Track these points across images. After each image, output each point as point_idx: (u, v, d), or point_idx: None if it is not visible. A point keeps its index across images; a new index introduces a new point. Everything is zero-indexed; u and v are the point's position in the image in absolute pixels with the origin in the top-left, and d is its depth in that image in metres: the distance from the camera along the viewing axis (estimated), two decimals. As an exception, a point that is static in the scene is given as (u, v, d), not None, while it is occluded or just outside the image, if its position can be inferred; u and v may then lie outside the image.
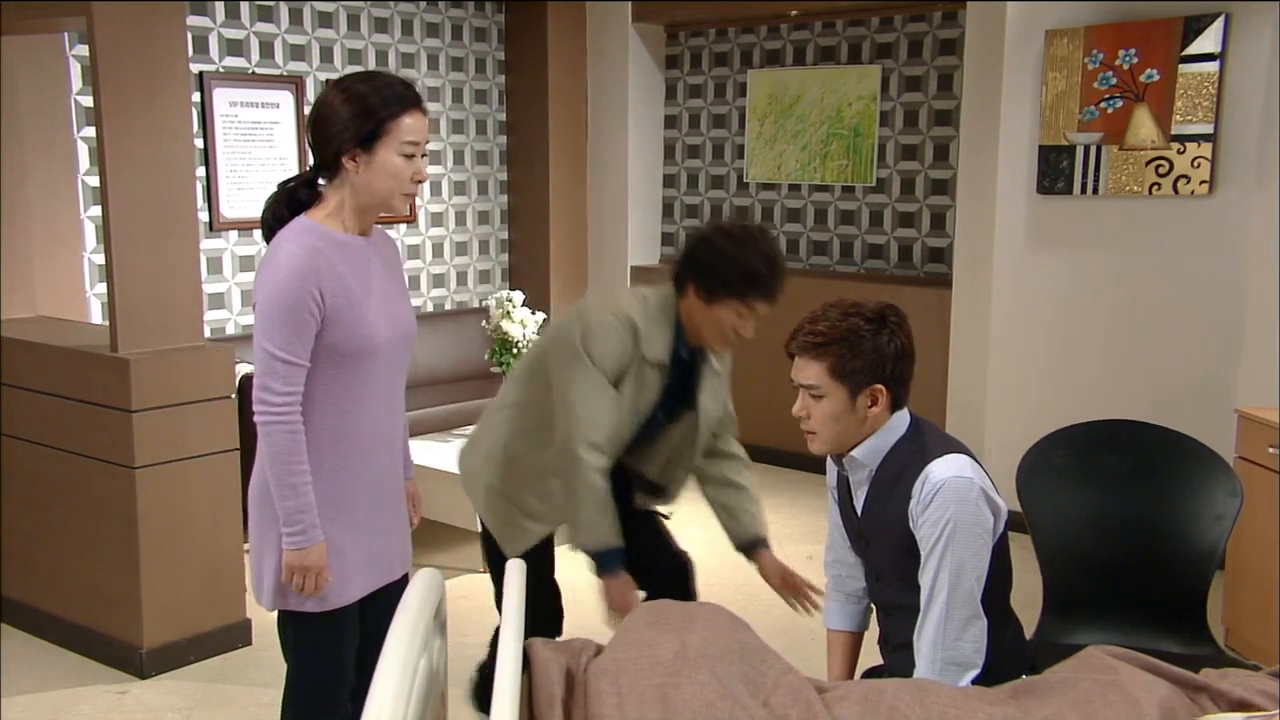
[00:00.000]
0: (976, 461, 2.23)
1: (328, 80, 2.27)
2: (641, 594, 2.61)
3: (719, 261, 2.49)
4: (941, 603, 2.15)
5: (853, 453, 2.27)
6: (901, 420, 2.26)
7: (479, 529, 2.84)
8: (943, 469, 2.16)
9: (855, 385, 2.20)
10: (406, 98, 2.22)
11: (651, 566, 2.89)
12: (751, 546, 2.74)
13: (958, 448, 2.23)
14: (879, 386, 2.20)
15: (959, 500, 2.13)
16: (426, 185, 6.25)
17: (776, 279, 2.51)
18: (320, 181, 2.28)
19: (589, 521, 2.54)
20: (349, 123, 2.17)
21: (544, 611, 2.80)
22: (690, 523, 5.23)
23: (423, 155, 2.27)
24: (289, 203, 2.26)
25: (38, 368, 3.71)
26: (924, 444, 2.23)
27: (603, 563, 2.58)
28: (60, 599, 3.80)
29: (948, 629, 2.16)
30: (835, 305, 2.25)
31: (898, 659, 2.32)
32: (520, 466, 2.69)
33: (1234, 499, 2.65)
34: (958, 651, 2.16)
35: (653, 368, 2.56)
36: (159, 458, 3.50)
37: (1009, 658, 2.30)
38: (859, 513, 2.35)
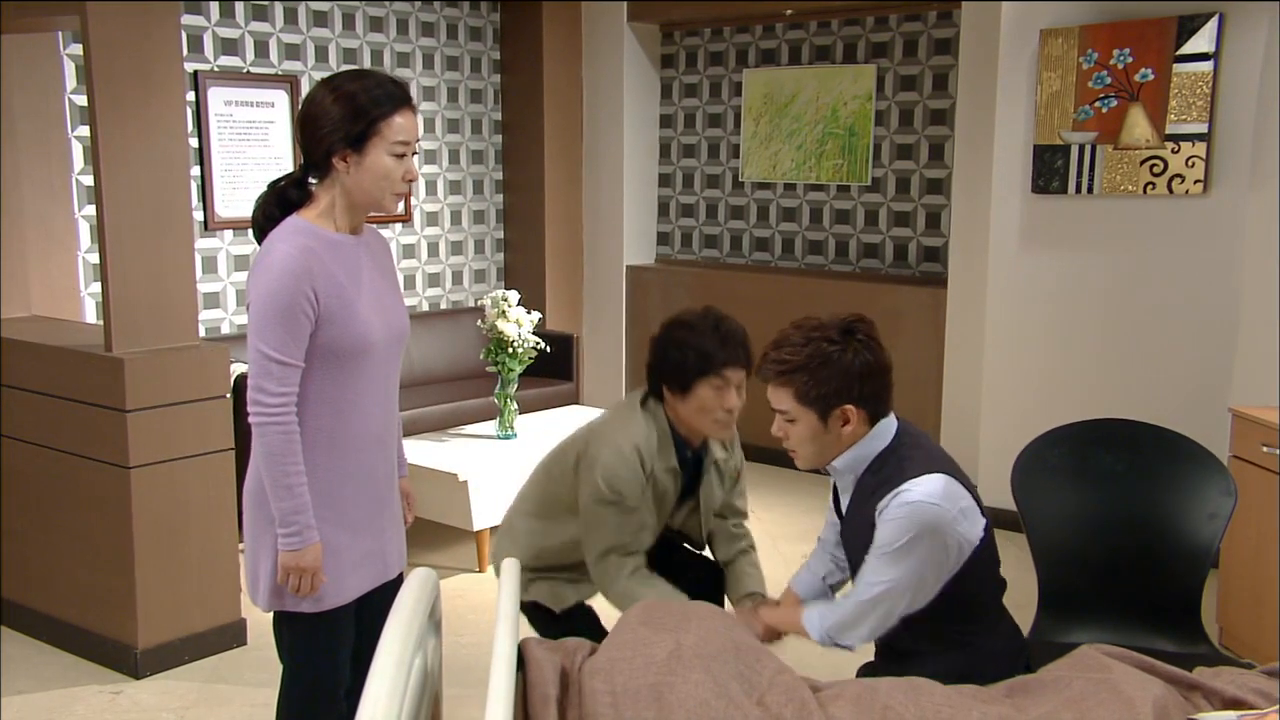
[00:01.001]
0: (960, 479, 2.21)
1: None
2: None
3: (674, 353, 2.57)
4: (863, 596, 2.20)
5: (834, 463, 2.29)
6: (885, 431, 2.26)
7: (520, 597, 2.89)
8: (916, 490, 2.15)
9: (824, 408, 2.20)
10: (397, 96, 2.21)
11: (686, 567, 2.91)
12: (746, 599, 2.75)
13: (941, 467, 2.21)
14: (849, 407, 2.20)
15: (920, 525, 2.14)
16: (421, 185, 6.25)
17: (733, 344, 2.56)
18: (310, 181, 2.27)
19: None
20: (339, 123, 2.16)
21: None
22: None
23: (414, 154, 2.26)
24: (279, 203, 2.25)
25: (32, 367, 3.70)
26: (905, 458, 2.22)
27: None
28: (55, 599, 3.79)
29: (855, 613, 2.22)
30: (800, 326, 2.24)
31: (883, 661, 2.35)
32: (552, 561, 2.77)
33: (1228, 498, 2.65)
34: (849, 630, 2.23)
35: (666, 474, 2.65)
36: (153, 457, 3.50)
37: (1004, 659, 2.30)
38: (842, 516, 2.37)
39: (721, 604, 2.82)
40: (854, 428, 2.22)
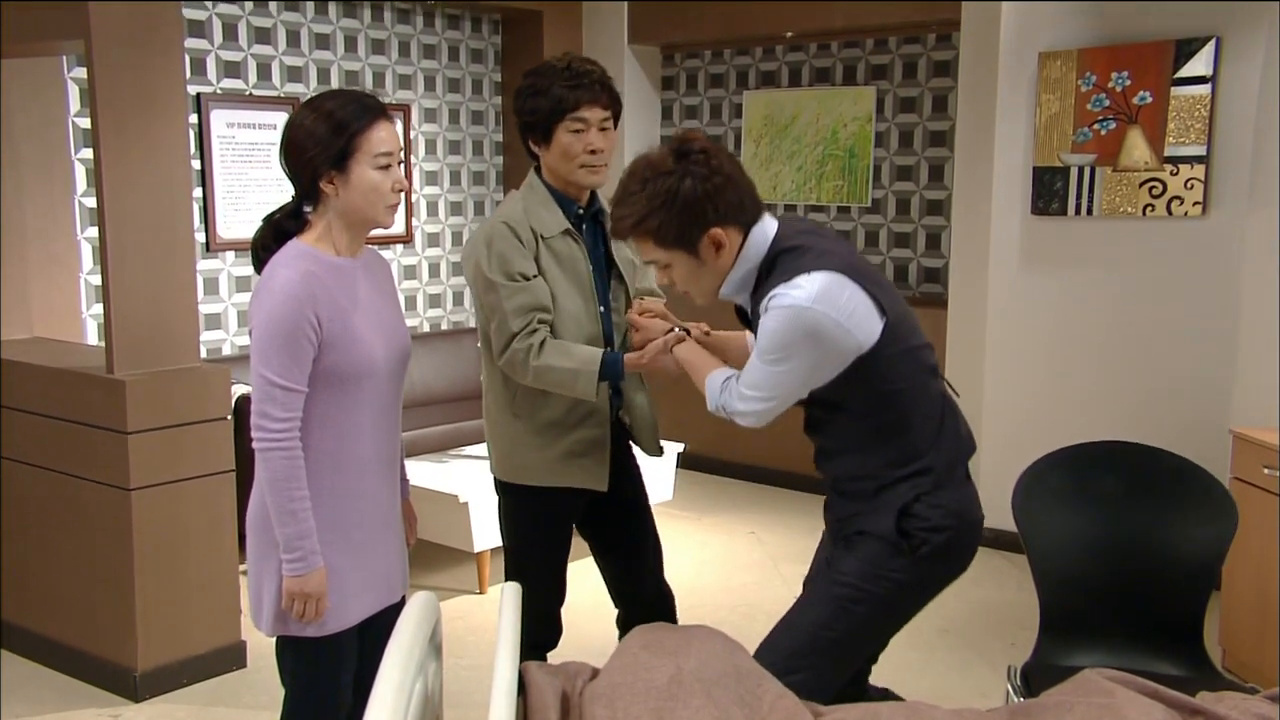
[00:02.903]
0: (854, 274, 2.10)
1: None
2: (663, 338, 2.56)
3: (529, 104, 2.57)
4: (746, 391, 2.16)
5: (722, 292, 2.22)
6: (760, 239, 2.16)
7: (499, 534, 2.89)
8: (793, 294, 2.06)
9: (690, 243, 2.13)
10: (372, 109, 2.22)
11: (634, 594, 2.90)
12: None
13: (828, 263, 2.09)
14: (714, 231, 2.13)
15: (795, 330, 2.06)
16: (423, 206, 6.27)
17: (587, 83, 2.55)
18: (305, 209, 2.29)
19: (565, 378, 2.52)
20: (321, 144, 2.17)
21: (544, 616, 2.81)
22: (692, 543, 5.22)
23: (399, 163, 2.26)
24: (276, 235, 2.27)
25: (34, 389, 3.71)
26: (786, 260, 2.13)
27: (614, 374, 2.56)
28: (54, 621, 3.78)
29: (743, 400, 2.18)
30: (634, 173, 2.17)
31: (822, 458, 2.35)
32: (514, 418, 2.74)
33: (1229, 520, 2.65)
34: (738, 415, 2.20)
35: (562, 239, 2.62)
36: (154, 479, 3.50)
37: (948, 442, 2.24)
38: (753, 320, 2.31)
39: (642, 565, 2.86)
40: (729, 247, 2.15)
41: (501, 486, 2.77)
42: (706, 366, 2.33)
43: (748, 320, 2.33)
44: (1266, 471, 3.45)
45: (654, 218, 2.10)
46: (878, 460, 2.20)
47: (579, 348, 2.57)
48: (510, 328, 2.53)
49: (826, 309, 2.05)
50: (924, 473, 2.19)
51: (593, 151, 2.58)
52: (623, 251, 2.76)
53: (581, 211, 2.68)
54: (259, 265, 2.26)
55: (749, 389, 2.16)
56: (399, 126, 5.98)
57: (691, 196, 2.09)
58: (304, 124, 2.20)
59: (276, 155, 2.29)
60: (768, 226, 2.18)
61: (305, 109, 2.22)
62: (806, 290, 2.05)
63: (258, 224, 2.32)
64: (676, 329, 2.54)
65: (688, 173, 2.10)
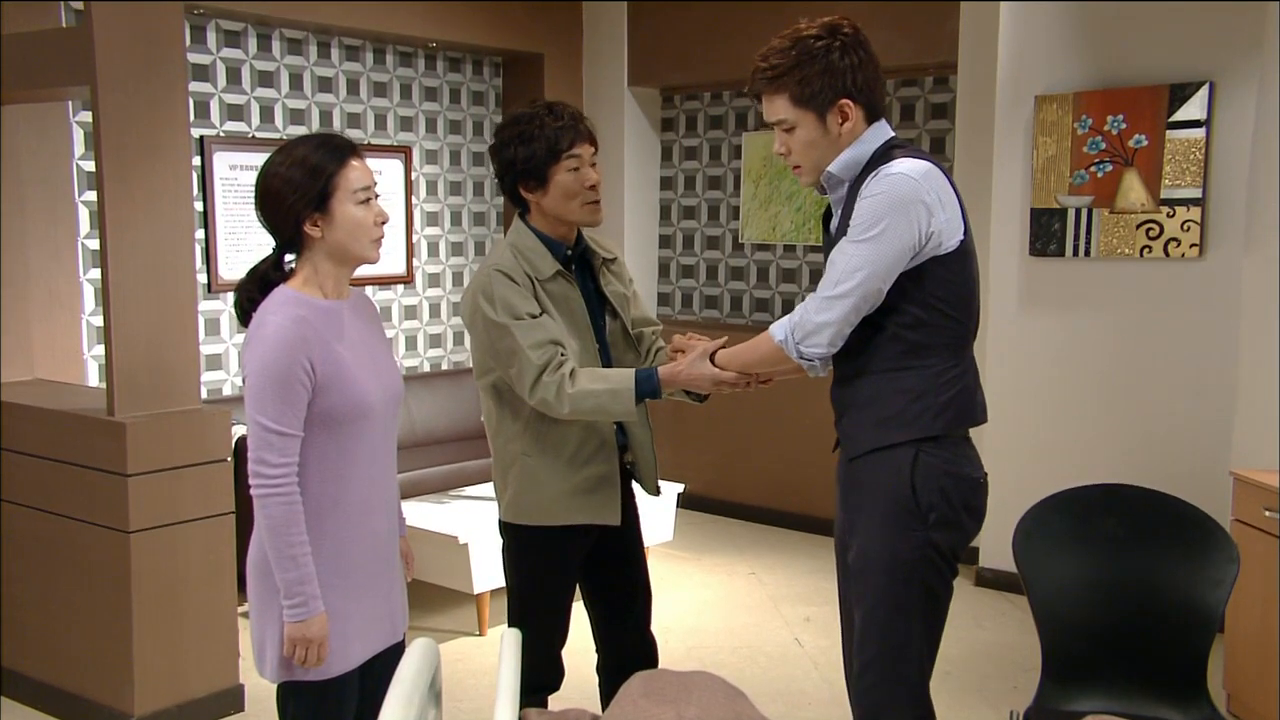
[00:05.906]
0: (949, 180, 2.20)
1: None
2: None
3: (521, 150, 2.58)
4: (828, 290, 2.18)
5: (829, 168, 2.26)
6: (880, 133, 2.25)
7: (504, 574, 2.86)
8: (897, 166, 2.16)
9: (821, 107, 2.20)
10: (344, 148, 2.26)
11: (618, 641, 2.89)
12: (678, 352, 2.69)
13: (929, 159, 2.21)
14: (845, 102, 2.20)
15: (895, 199, 2.12)
16: (424, 246, 6.29)
17: (574, 122, 2.59)
18: (288, 259, 2.30)
19: (604, 400, 2.50)
20: (300, 189, 2.19)
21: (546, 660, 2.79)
22: (692, 584, 5.19)
23: (377, 197, 2.29)
24: (260, 286, 2.28)
25: (34, 431, 3.71)
26: (897, 152, 2.21)
27: (650, 389, 2.54)
28: (52, 666, 3.76)
29: (820, 309, 2.19)
30: (783, 35, 2.25)
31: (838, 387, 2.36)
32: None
33: (1231, 564, 2.64)
34: (815, 332, 2.19)
35: (555, 281, 2.63)
36: (153, 521, 3.49)
37: (953, 392, 2.35)
38: (833, 233, 2.33)
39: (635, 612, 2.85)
40: (853, 124, 2.22)
41: (509, 529, 2.76)
42: (757, 339, 2.37)
43: (828, 229, 2.36)
44: (1267, 514, 3.44)
45: (799, 71, 2.18)
46: (895, 386, 2.25)
47: (610, 370, 2.60)
48: (534, 363, 2.52)
49: (927, 186, 2.14)
50: (932, 414, 2.27)
51: (592, 187, 2.62)
52: (614, 286, 2.79)
53: (570, 252, 2.71)
54: (244, 319, 2.28)
55: (829, 289, 2.18)
56: (400, 166, 6.04)
57: (834, 64, 2.18)
58: (279, 173, 2.22)
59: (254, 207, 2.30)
60: (886, 127, 2.28)
61: (277, 159, 2.24)
62: (913, 167, 2.16)
63: (240, 279, 2.32)
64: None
65: (836, 41, 2.19)
